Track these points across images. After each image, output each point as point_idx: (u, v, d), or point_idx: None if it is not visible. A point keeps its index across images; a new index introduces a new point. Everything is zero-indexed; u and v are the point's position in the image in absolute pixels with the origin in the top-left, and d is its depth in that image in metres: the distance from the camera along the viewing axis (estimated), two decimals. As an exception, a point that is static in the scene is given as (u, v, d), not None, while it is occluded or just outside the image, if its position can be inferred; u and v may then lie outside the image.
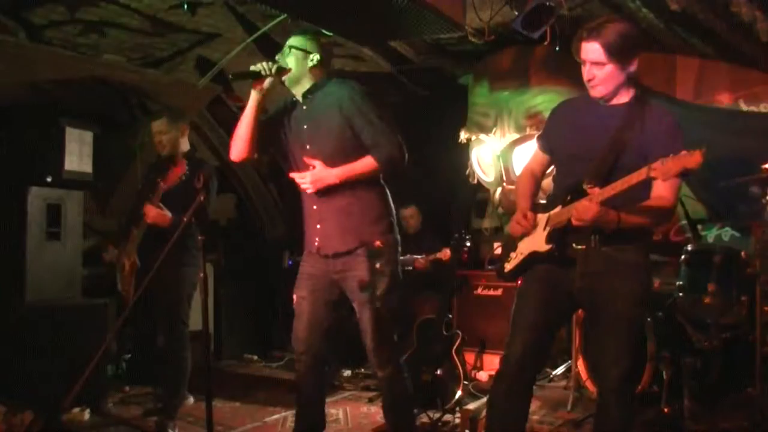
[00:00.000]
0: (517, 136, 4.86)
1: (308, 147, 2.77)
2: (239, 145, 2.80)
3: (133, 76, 4.54)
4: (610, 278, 2.32)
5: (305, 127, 2.79)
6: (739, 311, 3.56)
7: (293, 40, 2.78)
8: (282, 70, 2.72)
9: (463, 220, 5.78)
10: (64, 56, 4.09)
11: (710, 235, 4.42)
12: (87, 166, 4.17)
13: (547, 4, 3.51)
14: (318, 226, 2.80)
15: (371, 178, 2.77)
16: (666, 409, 3.38)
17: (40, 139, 4.00)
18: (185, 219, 2.86)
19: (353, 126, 2.71)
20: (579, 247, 2.35)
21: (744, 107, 4.36)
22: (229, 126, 5.45)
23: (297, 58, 2.75)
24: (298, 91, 2.82)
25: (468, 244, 4.43)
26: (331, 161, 2.71)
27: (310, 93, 2.80)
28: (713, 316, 3.63)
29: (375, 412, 4.01)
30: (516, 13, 3.68)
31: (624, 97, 2.38)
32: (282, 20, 4.15)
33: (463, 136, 5.17)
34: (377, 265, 2.71)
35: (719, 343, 3.63)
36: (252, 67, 2.69)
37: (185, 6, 3.73)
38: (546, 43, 3.98)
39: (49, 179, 3.98)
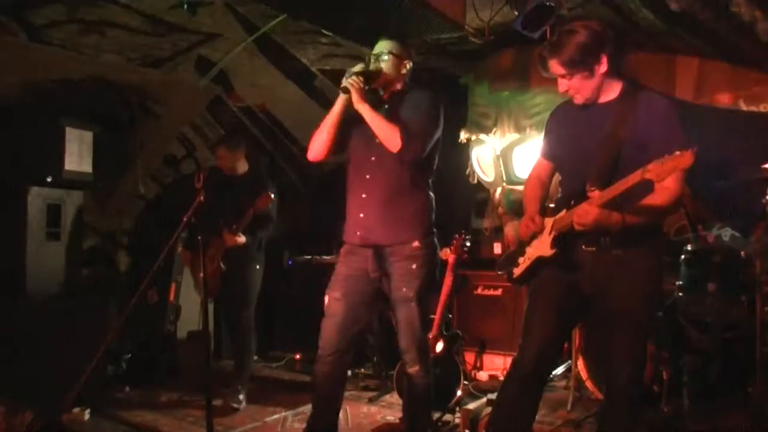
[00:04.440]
0: (517, 136, 4.86)
1: (377, 141, 2.80)
2: (321, 146, 2.88)
3: (133, 76, 4.54)
4: (620, 281, 2.32)
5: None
6: (739, 311, 3.56)
7: (391, 46, 2.88)
8: (379, 75, 2.84)
9: (463, 220, 5.77)
10: (64, 56, 4.09)
11: (710, 235, 4.42)
12: (87, 166, 4.18)
13: (547, 4, 3.51)
14: (361, 215, 2.84)
15: (425, 180, 2.91)
16: (666, 409, 3.38)
17: (40, 139, 4.00)
18: (185, 219, 2.88)
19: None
20: (589, 249, 2.36)
21: (744, 107, 4.36)
22: (229, 126, 5.48)
23: (393, 64, 2.86)
24: (384, 92, 2.91)
25: (468, 244, 4.42)
26: (390, 158, 2.76)
27: (395, 95, 2.90)
28: (713, 316, 3.63)
29: (375, 412, 4.01)
30: (516, 13, 3.67)
31: (611, 93, 2.39)
32: (282, 20, 4.15)
33: (463, 136, 5.17)
34: (414, 266, 2.77)
35: (719, 343, 3.63)
36: (355, 69, 2.78)
37: (185, 6, 3.73)
38: (543, 45, 3.97)
39: (49, 179, 3.98)
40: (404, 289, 2.77)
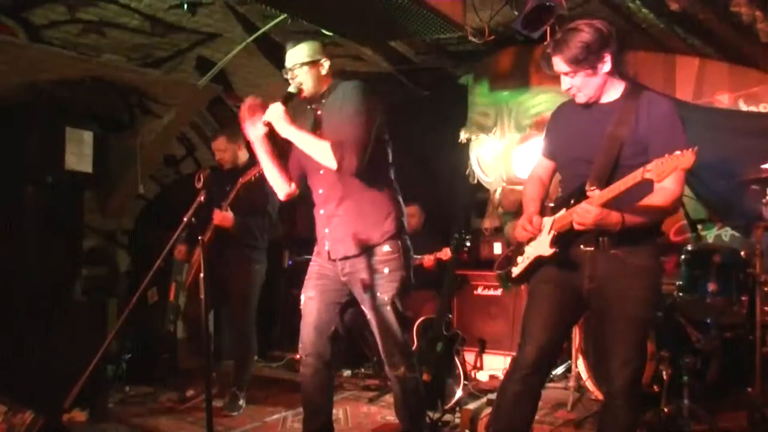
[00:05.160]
0: (517, 135, 4.87)
1: None
2: (278, 186, 2.87)
3: (133, 76, 4.54)
4: (619, 280, 2.32)
5: (318, 132, 2.76)
6: (739, 311, 3.56)
7: (298, 56, 2.73)
8: (299, 92, 2.73)
9: (463, 220, 5.78)
10: (64, 56, 4.09)
11: (710, 235, 4.42)
12: (87, 166, 4.18)
13: (547, 4, 3.51)
14: (327, 230, 2.80)
15: (380, 179, 2.77)
16: (666, 409, 3.38)
17: (40, 139, 4.00)
18: (185, 219, 2.87)
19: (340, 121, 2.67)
20: (587, 249, 2.36)
21: (744, 107, 4.37)
22: (229, 126, 5.47)
23: (308, 73, 2.73)
24: (313, 99, 2.81)
25: (468, 244, 4.42)
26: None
27: (323, 98, 2.80)
28: (713, 316, 3.63)
29: (375, 412, 4.01)
30: (516, 13, 3.68)
31: (614, 94, 2.40)
32: (282, 20, 4.15)
33: (463, 136, 5.17)
34: (386, 270, 2.71)
35: (719, 343, 3.63)
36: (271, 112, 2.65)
37: (185, 6, 3.73)
38: (546, 43, 3.98)
39: (49, 179, 3.98)
40: (379, 294, 2.71)
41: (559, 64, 2.35)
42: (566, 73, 2.35)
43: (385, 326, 2.74)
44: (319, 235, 2.86)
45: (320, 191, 2.80)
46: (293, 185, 2.90)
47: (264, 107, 2.69)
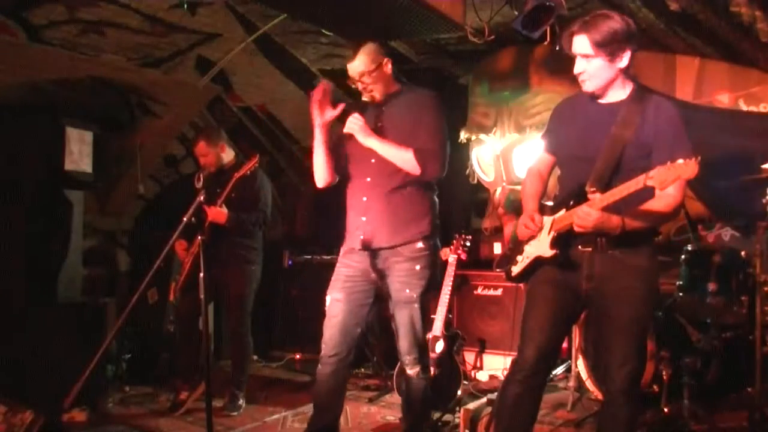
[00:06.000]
0: (517, 136, 4.86)
1: None
2: (324, 173, 2.89)
3: (133, 76, 4.54)
4: (617, 280, 2.32)
5: (380, 125, 2.82)
6: (739, 311, 3.57)
7: (362, 65, 2.77)
8: (373, 100, 2.84)
9: (463, 220, 5.77)
10: (64, 56, 4.09)
11: (710, 235, 4.42)
12: (87, 166, 4.17)
13: (547, 4, 3.50)
14: (363, 219, 2.82)
15: (429, 183, 2.85)
16: (666, 409, 3.38)
17: (40, 139, 4.00)
18: (185, 219, 2.88)
19: (419, 128, 2.76)
20: (586, 249, 2.36)
21: (744, 107, 4.36)
22: (229, 126, 5.48)
23: (377, 78, 2.79)
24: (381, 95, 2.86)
25: (468, 244, 4.42)
26: (389, 161, 2.74)
27: (393, 97, 2.86)
28: (713, 316, 3.63)
29: (375, 412, 4.01)
30: (516, 13, 3.67)
31: (621, 94, 2.38)
32: (282, 20, 4.15)
33: (463, 136, 5.17)
34: (417, 267, 2.75)
35: (719, 343, 3.63)
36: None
37: (185, 6, 3.73)
38: (546, 43, 3.98)
39: (49, 179, 3.97)
40: (407, 291, 2.75)
41: (582, 43, 2.31)
42: (585, 55, 2.32)
43: (410, 323, 2.78)
44: (352, 226, 2.87)
45: (368, 179, 2.83)
46: (336, 177, 2.94)
47: (329, 97, 2.76)
